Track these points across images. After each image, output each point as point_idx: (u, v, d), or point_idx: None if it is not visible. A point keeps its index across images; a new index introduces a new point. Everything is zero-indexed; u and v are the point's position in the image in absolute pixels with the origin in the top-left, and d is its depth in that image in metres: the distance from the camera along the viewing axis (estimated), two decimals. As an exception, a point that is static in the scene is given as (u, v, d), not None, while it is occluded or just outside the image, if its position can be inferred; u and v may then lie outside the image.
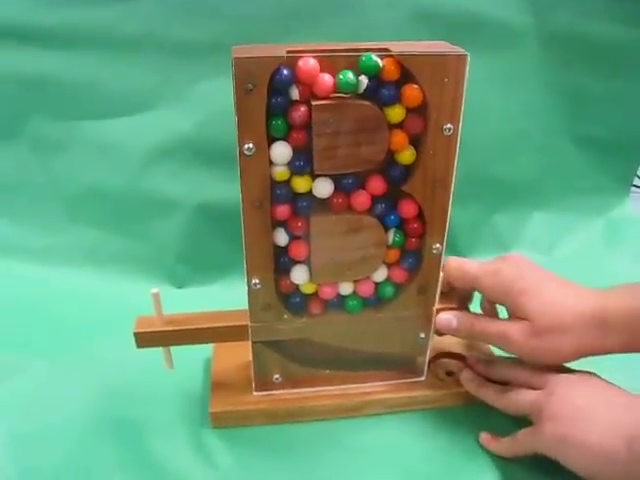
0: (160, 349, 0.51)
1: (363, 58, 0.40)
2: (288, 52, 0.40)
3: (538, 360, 0.48)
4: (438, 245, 0.48)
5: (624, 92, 0.80)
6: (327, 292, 0.49)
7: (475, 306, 0.54)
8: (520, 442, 0.47)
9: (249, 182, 0.43)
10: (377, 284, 0.50)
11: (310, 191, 0.45)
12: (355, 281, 0.49)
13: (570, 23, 0.75)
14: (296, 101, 0.41)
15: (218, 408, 0.52)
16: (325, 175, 0.44)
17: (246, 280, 0.47)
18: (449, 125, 0.43)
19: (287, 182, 0.44)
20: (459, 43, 0.43)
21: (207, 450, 0.50)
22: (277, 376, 0.53)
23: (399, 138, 0.43)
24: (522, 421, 0.47)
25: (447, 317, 0.51)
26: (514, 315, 0.48)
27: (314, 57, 0.40)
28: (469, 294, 0.54)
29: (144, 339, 0.50)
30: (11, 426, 0.52)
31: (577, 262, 0.51)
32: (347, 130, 0.42)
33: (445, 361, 0.58)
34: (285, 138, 0.43)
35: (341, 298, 0.50)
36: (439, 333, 0.53)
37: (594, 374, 0.46)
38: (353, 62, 0.41)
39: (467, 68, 0.41)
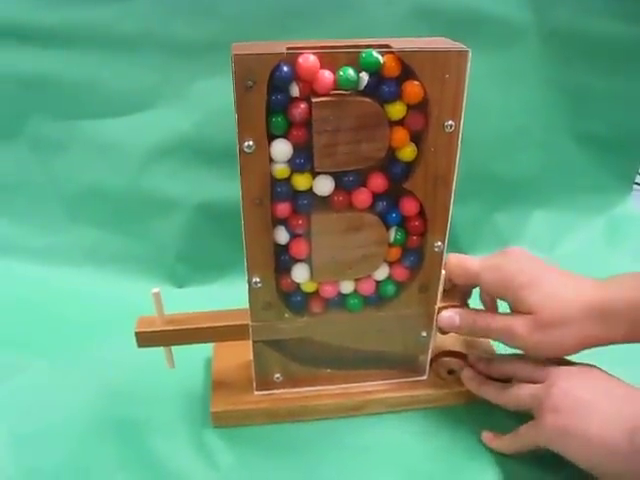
0: (160, 349, 0.51)
1: (363, 54, 0.40)
2: (288, 49, 0.39)
3: (542, 353, 0.48)
4: (440, 243, 0.48)
5: (625, 89, 0.80)
6: (328, 291, 0.49)
7: (474, 301, 0.54)
8: (522, 437, 0.47)
9: (249, 180, 0.43)
10: (378, 282, 0.50)
11: (310, 189, 0.45)
12: (356, 280, 0.49)
13: (570, 20, 0.74)
14: (296, 98, 0.41)
15: (219, 407, 0.52)
16: (326, 173, 0.44)
17: (247, 279, 0.47)
18: (450, 122, 0.43)
19: (287, 180, 0.44)
20: (459, 40, 0.43)
21: (208, 450, 0.50)
22: (278, 375, 0.53)
23: (400, 135, 0.43)
24: (524, 419, 0.47)
25: (449, 315, 0.51)
26: (516, 310, 0.48)
27: (314, 54, 0.40)
28: (468, 290, 0.54)
29: (145, 339, 0.50)
30: (12, 426, 0.52)
31: (578, 260, 0.51)
32: (347, 127, 0.42)
33: (446, 360, 0.57)
34: (285, 135, 0.42)
35: (342, 297, 0.50)
36: (442, 331, 0.53)
37: (594, 366, 0.46)
38: (353, 59, 0.40)
39: (468, 64, 0.41)
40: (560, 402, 0.43)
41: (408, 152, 0.44)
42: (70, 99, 0.68)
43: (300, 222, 0.46)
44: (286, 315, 0.50)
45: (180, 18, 0.66)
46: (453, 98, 0.42)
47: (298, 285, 0.49)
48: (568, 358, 0.49)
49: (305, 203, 0.45)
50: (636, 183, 0.89)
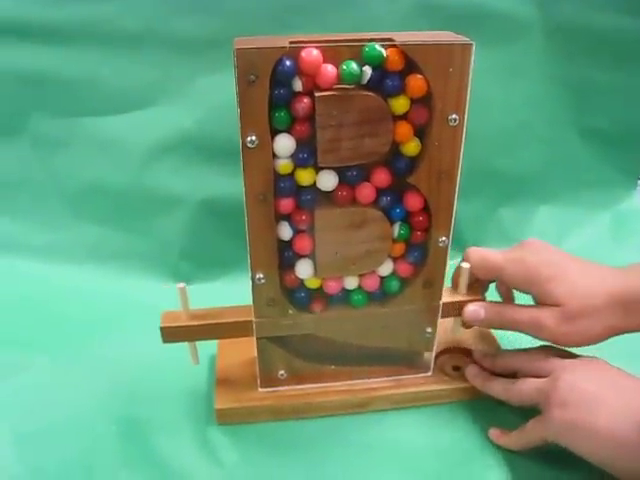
0: (163, 347, 0.51)
1: (367, 48, 0.40)
2: (291, 43, 0.39)
3: (570, 344, 0.48)
4: (444, 238, 0.48)
5: (629, 84, 0.79)
6: (332, 287, 0.49)
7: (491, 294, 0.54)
8: (529, 432, 0.46)
9: (252, 175, 0.43)
10: (382, 278, 0.50)
11: (314, 184, 0.44)
12: (360, 275, 0.49)
13: (574, 15, 0.74)
14: (299, 92, 0.41)
15: (223, 405, 0.52)
16: (329, 168, 0.44)
17: (250, 275, 0.47)
18: (454, 115, 0.42)
19: (291, 175, 0.44)
20: (463, 35, 0.42)
21: (212, 447, 0.50)
22: (282, 372, 0.53)
23: (404, 129, 0.43)
24: (530, 415, 0.46)
25: (474, 308, 0.51)
26: (542, 302, 0.48)
27: (317, 48, 0.40)
28: (488, 284, 0.54)
29: (170, 334, 0.50)
30: (15, 424, 0.52)
31: (584, 256, 0.50)
32: (351, 122, 0.41)
33: (451, 356, 0.57)
34: (288, 130, 0.42)
35: (346, 293, 0.50)
36: (467, 325, 0.53)
37: (599, 358, 0.46)
38: (356, 52, 0.40)
39: (472, 57, 0.41)
40: (567, 396, 0.43)
41: (412, 147, 0.44)
42: (71, 96, 0.68)
43: (304, 218, 0.45)
44: (290, 311, 0.49)
45: (181, 14, 0.66)
46: (457, 92, 0.42)
47: (302, 281, 0.49)
48: (572, 351, 0.49)
49: (309, 198, 0.45)
50: (640, 178, 0.88)
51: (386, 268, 0.49)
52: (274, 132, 0.42)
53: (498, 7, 0.71)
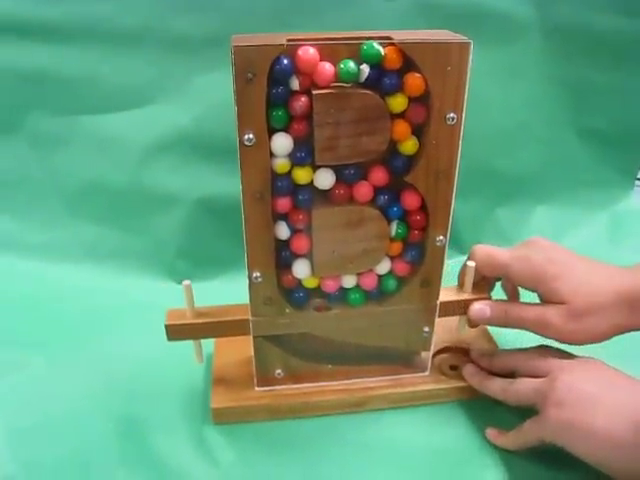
0: (160, 346, 0.50)
1: (364, 46, 0.40)
2: (288, 40, 0.39)
3: (575, 342, 0.48)
4: (441, 237, 0.48)
5: (627, 84, 0.80)
6: (330, 285, 0.49)
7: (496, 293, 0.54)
8: (526, 432, 0.46)
9: (249, 173, 0.43)
10: (380, 277, 0.50)
11: (311, 183, 0.44)
12: (358, 274, 0.49)
13: (572, 15, 0.74)
14: (297, 91, 0.41)
15: (220, 404, 0.52)
16: (326, 166, 0.44)
17: (247, 274, 0.47)
18: (452, 114, 0.42)
19: (288, 174, 0.44)
20: (461, 34, 0.42)
21: (208, 446, 0.50)
22: (279, 371, 0.53)
23: (401, 128, 0.43)
24: (527, 414, 0.46)
25: (480, 307, 0.51)
26: (548, 300, 0.48)
27: (314, 46, 0.39)
28: (493, 283, 0.54)
29: (175, 331, 0.50)
30: (11, 422, 0.52)
31: (581, 256, 0.51)
32: (349, 120, 0.41)
33: (448, 355, 0.57)
34: (286, 129, 0.42)
35: (343, 291, 0.50)
36: (473, 324, 0.52)
37: (596, 359, 0.46)
38: (354, 51, 0.40)
39: (470, 56, 0.41)
40: (564, 396, 0.43)
41: (410, 145, 0.44)
42: (69, 94, 0.68)
43: (301, 217, 0.45)
44: (287, 310, 0.49)
45: (180, 13, 0.66)
46: (455, 90, 0.42)
47: (300, 281, 0.49)
48: (569, 351, 0.49)
49: (306, 198, 0.45)
50: (638, 179, 0.88)
51: (383, 267, 0.49)
52: (271, 131, 0.42)
53: (496, 7, 0.71)
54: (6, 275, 0.71)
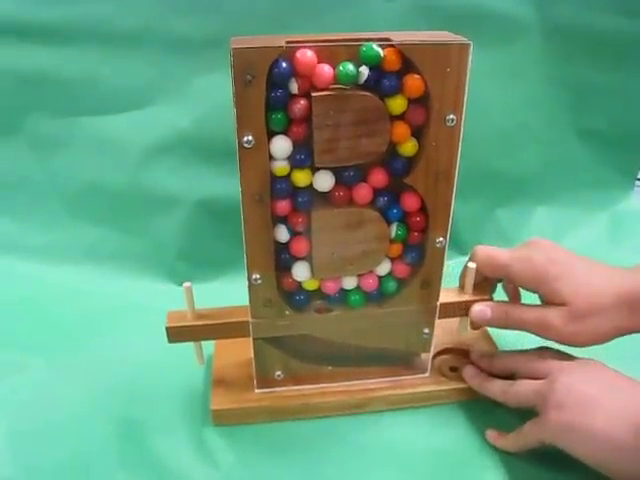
0: (159, 347, 0.50)
1: (364, 48, 0.40)
2: (287, 42, 0.39)
3: (576, 343, 0.48)
4: (441, 239, 0.47)
5: (627, 85, 0.80)
6: (330, 287, 0.49)
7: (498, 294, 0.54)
8: (526, 434, 0.46)
9: (249, 175, 0.43)
10: (380, 278, 0.49)
11: (310, 185, 0.44)
12: (358, 276, 0.49)
13: (573, 15, 0.74)
14: (296, 94, 0.41)
15: (219, 406, 0.52)
16: (326, 168, 0.43)
17: (247, 275, 0.47)
18: (452, 116, 0.42)
19: (287, 177, 0.44)
20: (461, 35, 0.42)
21: (208, 448, 0.50)
22: (279, 373, 0.53)
23: (401, 129, 0.43)
24: (527, 416, 0.46)
25: (481, 308, 0.51)
26: (549, 301, 0.48)
27: (313, 48, 0.39)
28: (495, 284, 0.54)
29: (176, 334, 0.50)
30: (11, 424, 0.52)
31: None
32: (348, 122, 0.41)
33: (448, 357, 0.57)
34: (285, 132, 0.42)
35: (344, 293, 0.50)
36: (474, 326, 0.52)
37: (596, 360, 0.46)
38: (353, 52, 0.40)
39: (470, 57, 0.40)
40: (564, 398, 0.43)
41: (409, 147, 0.44)
42: (69, 96, 0.68)
43: (300, 220, 0.45)
44: (287, 312, 0.49)
45: (179, 14, 0.65)
46: (454, 92, 0.42)
47: (300, 284, 0.49)
48: (569, 353, 0.49)
49: (305, 200, 0.45)
50: (639, 179, 0.88)
51: (384, 268, 0.49)
52: (271, 133, 0.42)
53: (496, 8, 0.71)
54: (6, 277, 0.71)
